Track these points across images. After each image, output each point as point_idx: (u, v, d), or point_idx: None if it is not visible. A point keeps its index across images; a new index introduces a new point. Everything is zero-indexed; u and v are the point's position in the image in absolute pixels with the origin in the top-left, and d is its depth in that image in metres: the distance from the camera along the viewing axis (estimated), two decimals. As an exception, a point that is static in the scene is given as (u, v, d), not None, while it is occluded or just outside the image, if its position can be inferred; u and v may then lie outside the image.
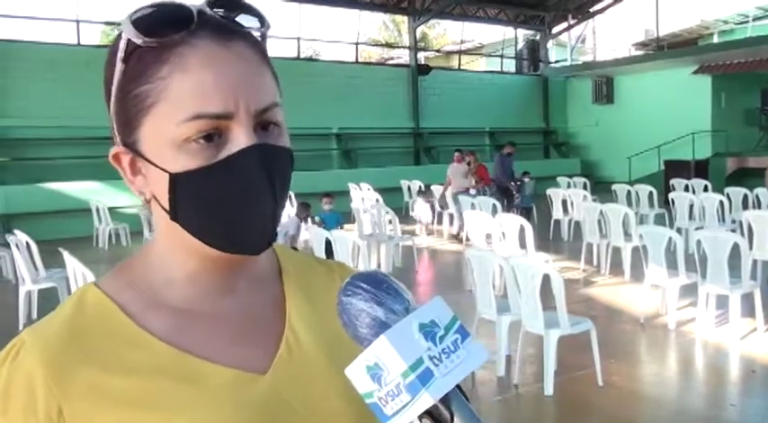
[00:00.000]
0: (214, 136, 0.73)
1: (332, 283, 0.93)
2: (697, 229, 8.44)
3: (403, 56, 24.08)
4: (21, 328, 6.78)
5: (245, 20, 0.77)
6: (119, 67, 0.75)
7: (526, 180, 13.54)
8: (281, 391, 0.79)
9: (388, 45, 29.97)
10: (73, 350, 0.74)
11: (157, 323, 0.78)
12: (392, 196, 15.23)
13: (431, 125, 20.82)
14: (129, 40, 0.73)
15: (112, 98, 0.77)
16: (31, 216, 13.19)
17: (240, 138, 0.73)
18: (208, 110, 0.72)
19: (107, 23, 19.75)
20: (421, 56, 22.40)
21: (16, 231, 7.30)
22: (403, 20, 25.04)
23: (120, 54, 0.74)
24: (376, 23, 31.26)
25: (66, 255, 5.63)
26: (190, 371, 0.76)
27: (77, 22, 16.00)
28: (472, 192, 12.33)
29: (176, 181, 0.74)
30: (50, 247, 7.48)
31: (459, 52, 24.39)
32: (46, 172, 14.43)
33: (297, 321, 0.85)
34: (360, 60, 21.39)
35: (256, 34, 0.78)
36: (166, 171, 0.74)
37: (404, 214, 13.77)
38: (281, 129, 0.78)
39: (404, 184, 16.78)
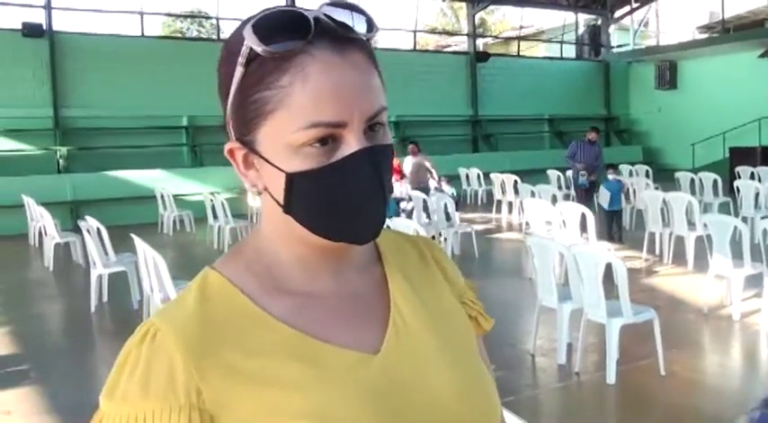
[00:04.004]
0: (328, 140, 0.78)
1: (424, 263, 0.98)
2: (763, 217, 8.22)
3: (461, 43, 23.92)
4: (93, 309, 7.03)
5: (354, 20, 0.80)
6: (239, 70, 0.79)
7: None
8: (393, 370, 0.83)
9: (447, 32, 29.81)
10: (206, 334, 0.79)
11: (277, 306, 0.83)
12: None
13: (489, 112, 20.67)
14: (251, 47, 0.76)
15: (230, 98, 0.81)
16: (97, 203, 13.57)
17: (352, 142, 0.78)
18: (324, 119, 0.77)
19: (169, 15, 20.12)
20: (479, 42, 22.21)
21: (87, 217, 7.50)
22: (461, 6, 24.81)
23: (242, 59, 0.78)
24: (434, 11, 31.14)
25: (136, 239, 5.79)
26: (310, 352, 0.80)
27: (141, 14, 16.46)
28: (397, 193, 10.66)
29: (293, 180, 0.79)
30: (116, 232, 7.68)
31: (519, 38, 24.09)
32: (111, 160, 14.87)
33: (401, 302, 0.89)
34: (417, 48, 21.33)
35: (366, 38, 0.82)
36: (283, 171, 0.79)
37: (462, 201, 13.74)
38: (385, 127, 0.83)
39: (462, 171, 16.77)
